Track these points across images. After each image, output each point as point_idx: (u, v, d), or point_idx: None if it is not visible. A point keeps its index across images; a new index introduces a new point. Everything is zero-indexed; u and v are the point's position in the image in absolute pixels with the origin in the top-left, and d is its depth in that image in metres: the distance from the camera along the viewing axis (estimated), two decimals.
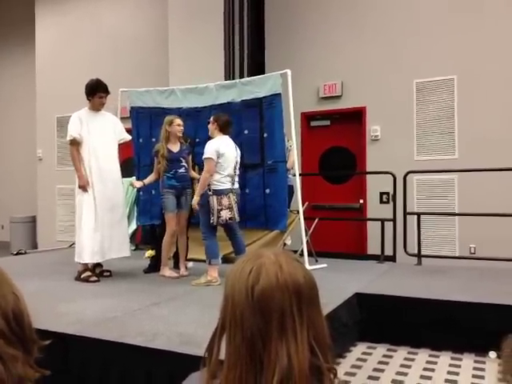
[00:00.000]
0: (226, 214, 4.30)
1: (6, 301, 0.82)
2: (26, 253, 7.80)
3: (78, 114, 4.74)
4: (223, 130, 4.50)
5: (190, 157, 4.99)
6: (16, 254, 7.24)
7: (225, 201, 4.30)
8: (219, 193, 4.32)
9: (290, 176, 5.50)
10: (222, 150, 4.35)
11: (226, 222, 4.35)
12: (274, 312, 0.84)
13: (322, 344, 0.86)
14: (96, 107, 4.77)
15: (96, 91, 4.69)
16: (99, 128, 4.74)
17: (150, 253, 5.75)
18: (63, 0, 9.15)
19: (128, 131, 6.24)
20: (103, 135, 4.75)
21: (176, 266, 5.04)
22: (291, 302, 0.85)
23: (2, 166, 10.94)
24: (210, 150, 4.36)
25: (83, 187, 4.59)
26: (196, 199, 4.39)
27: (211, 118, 4.62)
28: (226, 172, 4.37)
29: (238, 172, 4.52)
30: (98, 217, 4.60)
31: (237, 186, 4.50)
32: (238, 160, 4.54)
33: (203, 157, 4.43)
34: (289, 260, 0.89)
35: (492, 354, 3.34)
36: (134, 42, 8.41)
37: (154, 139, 6.02)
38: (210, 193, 4.33)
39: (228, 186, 4.37)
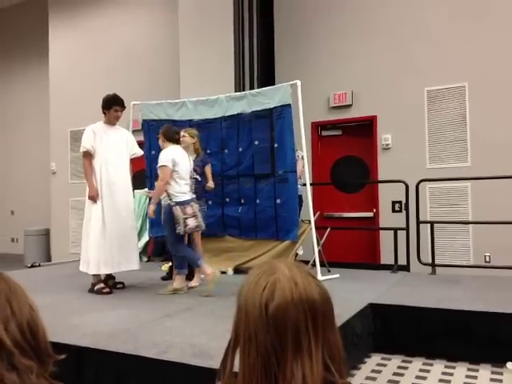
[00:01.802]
0: (192, 222, 4.32)
1: (21, 313, 0.83)
2: (39, 265, 7.88)
3: (92, 126, 4.81)
4: (172, 140, 4.55)
5: (208, 167, 5.04)
6: (30, 267, 7.31)
7: (188, 209, 4.33)
8: (182, 203, 4.35)
9: (299, 186, 5.49)
10: (178, 159, 4.40)
11: (194, 230, 4.40)
12: (288, 329, 0.83)
13: (336, 360, 0.85)
14: (111, 121, 4.83)
15: (112, 105, 4.75)
16: (112, 141, 4.79)
17: (166, 266, 5.74)
18: (77, 14, 9.32)
19: (140, 144, 6.32)
20: (116, 149, 4.80)
21: (186, 278, 5.04)
22: (306, 319, 0.84)
23: (16, 179, 11.09)
24: (165, 157, 4.40)
25: (93, 197, 4.64)
26: (151, 208, 4.45)
27: (159, 133, 4.72)
28: (185, 182, 4.43)
29: (190, 181, 4.58)
30: (106, 229, 4.63)
31: (193, 195, 4.55)
32: (191, 169, 4.60)
33: (157, 165, 4.46)
34: (303, 275, 0.88)
35: (509, 365, 3.28)
36: (146, 56, 8.52)
37: None
38: (173, 204, 4.35)
39: (189, 196, 4.44)
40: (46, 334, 0.87)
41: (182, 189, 4.39)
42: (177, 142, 4.60)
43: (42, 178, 10.13)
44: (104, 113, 4.81)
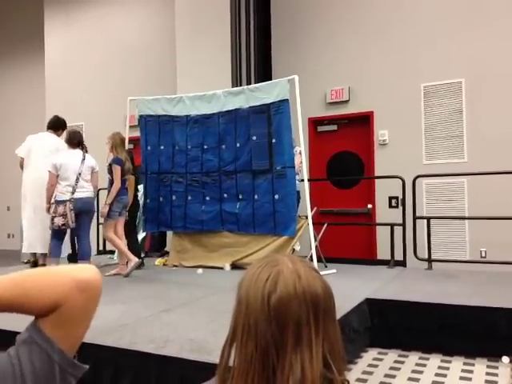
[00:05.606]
0: (58, 221, 4.85)
1: None
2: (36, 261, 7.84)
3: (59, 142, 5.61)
4: (70, 145, 5.13)
5: (114, 168, 5.12)
6: (26, 263, 7.29)
7: (60, 209, 4.86)
8: (59, 202, 4.91)
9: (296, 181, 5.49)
10: (60, 164, 4.96)
11: (59, 228, 4.90)
12: (290, 322, 0.82)
13: (336, 356, 0.85)
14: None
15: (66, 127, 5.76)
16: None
17: (159, 261, 5.80)
18: (72, 10, 9.26)
19: (137, 139, 6.31)
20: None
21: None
22: (308, 313, 0.83)
23: (11, 174, 11.04)
24: (50, 163, 5.01)
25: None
26: (45, 207, 5.04)
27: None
28: (66, 182, 4.94)
29: (81, 182, 5.01)
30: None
31: (80, 194, 4.98)
32: (84, 171, 5.03)
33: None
34: (307, 269, 0.88)
35: (505, 359, 3.31)
36: (142, 51, 8.48)
37: (162, 147, 6.07)
38: (52, 202, 4.96)
39: (67, 196, 4.92)
40: None
41: (61, 189, 4.93)
42: (75, 146, 5.09)
43: None
44: (61, 129, 5.70)
